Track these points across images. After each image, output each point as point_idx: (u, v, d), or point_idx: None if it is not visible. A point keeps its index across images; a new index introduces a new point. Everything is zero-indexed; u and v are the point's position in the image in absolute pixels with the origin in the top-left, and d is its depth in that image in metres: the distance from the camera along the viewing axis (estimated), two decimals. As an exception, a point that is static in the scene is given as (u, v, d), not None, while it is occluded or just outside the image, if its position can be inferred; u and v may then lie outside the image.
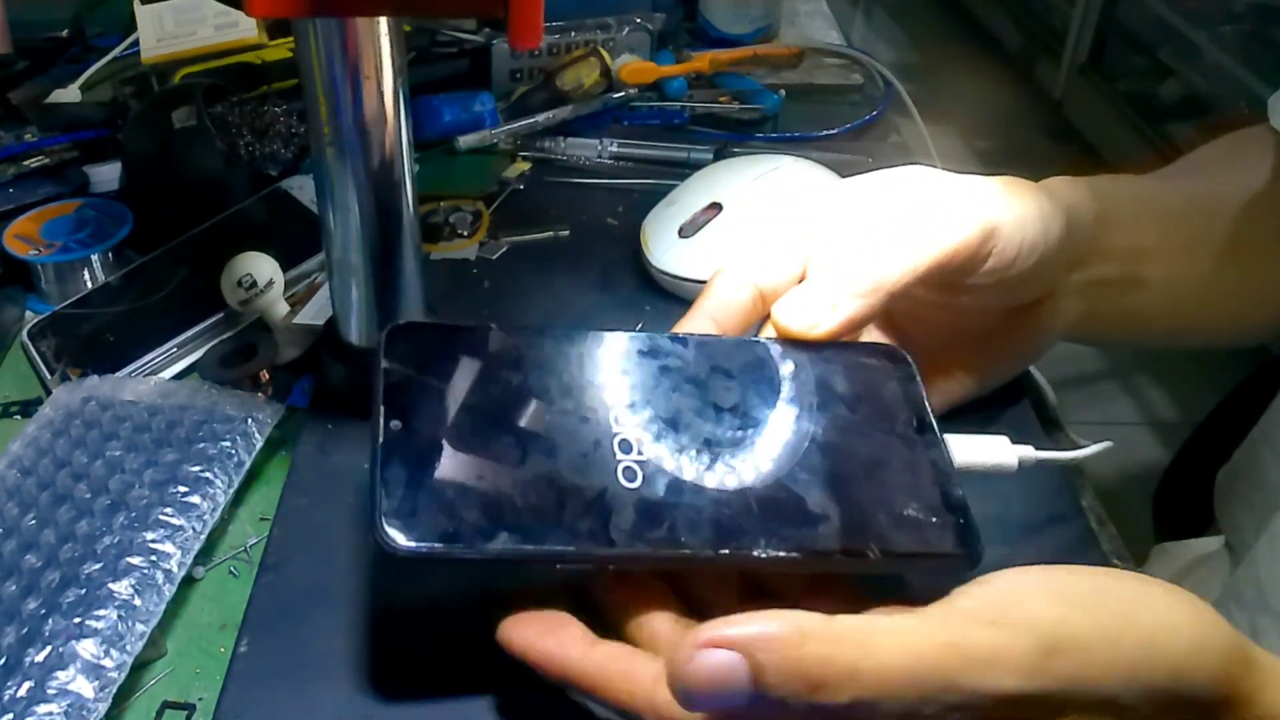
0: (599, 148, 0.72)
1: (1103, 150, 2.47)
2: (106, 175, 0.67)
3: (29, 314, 0.59)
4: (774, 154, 0.63)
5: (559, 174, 0.71)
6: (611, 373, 0.39)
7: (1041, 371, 0.55)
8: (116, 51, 0.80)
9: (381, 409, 0.36)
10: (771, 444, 0.38)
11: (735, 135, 0.76)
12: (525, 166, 0.71)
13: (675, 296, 0.59)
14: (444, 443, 0.36)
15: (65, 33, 0.83)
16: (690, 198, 0.60)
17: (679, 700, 0.29)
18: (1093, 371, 2.00)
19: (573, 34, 0.79)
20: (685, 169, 0.69)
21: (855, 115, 0.78)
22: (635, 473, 0.36)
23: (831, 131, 0.77)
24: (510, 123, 0.73)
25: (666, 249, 0.58)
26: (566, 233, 0.65)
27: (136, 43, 0.75)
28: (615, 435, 0.37)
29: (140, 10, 0.73)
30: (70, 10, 0.84)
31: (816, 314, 0.40)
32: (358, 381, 0.50)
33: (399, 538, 0.33)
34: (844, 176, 0.61)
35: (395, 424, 0.36)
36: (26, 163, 0.66)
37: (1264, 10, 1.82)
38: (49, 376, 0.54)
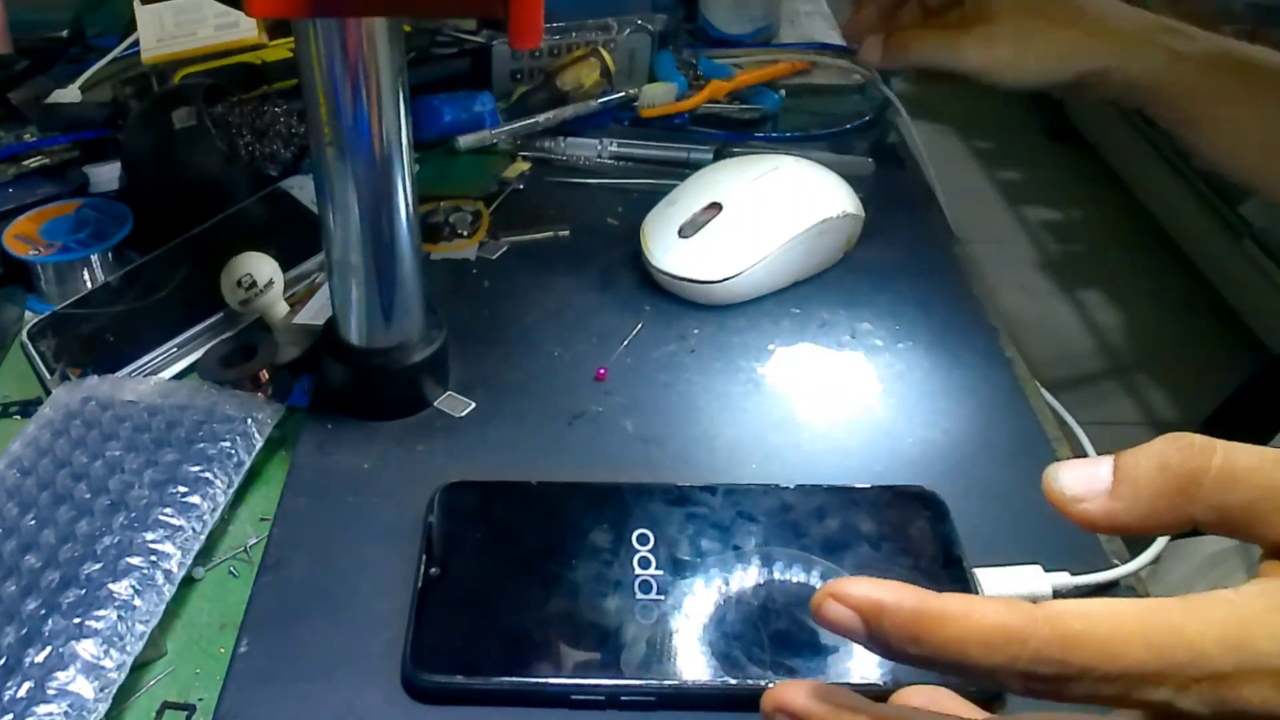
0: (599, 148, 0.72)
1: (1103, 150, 2.47)
2: (106, 175, 0.67)
3: (29, 314, 0.59)
4: (774, 154, 0.63)
5: (559, 174, 0.71)
6: (641, 522, 0.43)
7: (1041, 370, 0.55)
8: (116, 51, 0.80)
9: (423, 558, 0.41)
10: (787, 581, 0.41)
11: (735, 135, 0.76)
12: (525, 166, 0.71)
13: (675, 296, 0.59)
14: (473, 591, 0.40)
15: (65, 33, 0.83)
16: (690, 198, 0.60)
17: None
18: (1093, 371, 2.00)
19: (573, 35, 0.79)
20: (685, 169, 0.69)
21: (855, 115, 0.78)
22: (652, 611, 0.39)
23: (831, 131, 0.77)
24: (510, 123, 0.73)
25: (666, 249, 0.58)
26: (566, 233, 0.65)
27: (136, 43, 0.75)
28: (637, 578, 0.40)
29: (140, 10, 0.73)
30: (70, 10, 0.84)
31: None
32: (358, 381, 0.50)
33: (421, 674, 0.38)
34: (844, 176, 0.62)
35: (434, 571, 0.41)
36: (26, 163, 0.66)
37: (1264, 10, 1.82)
38: (49, 376, 0.54)
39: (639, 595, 0.40)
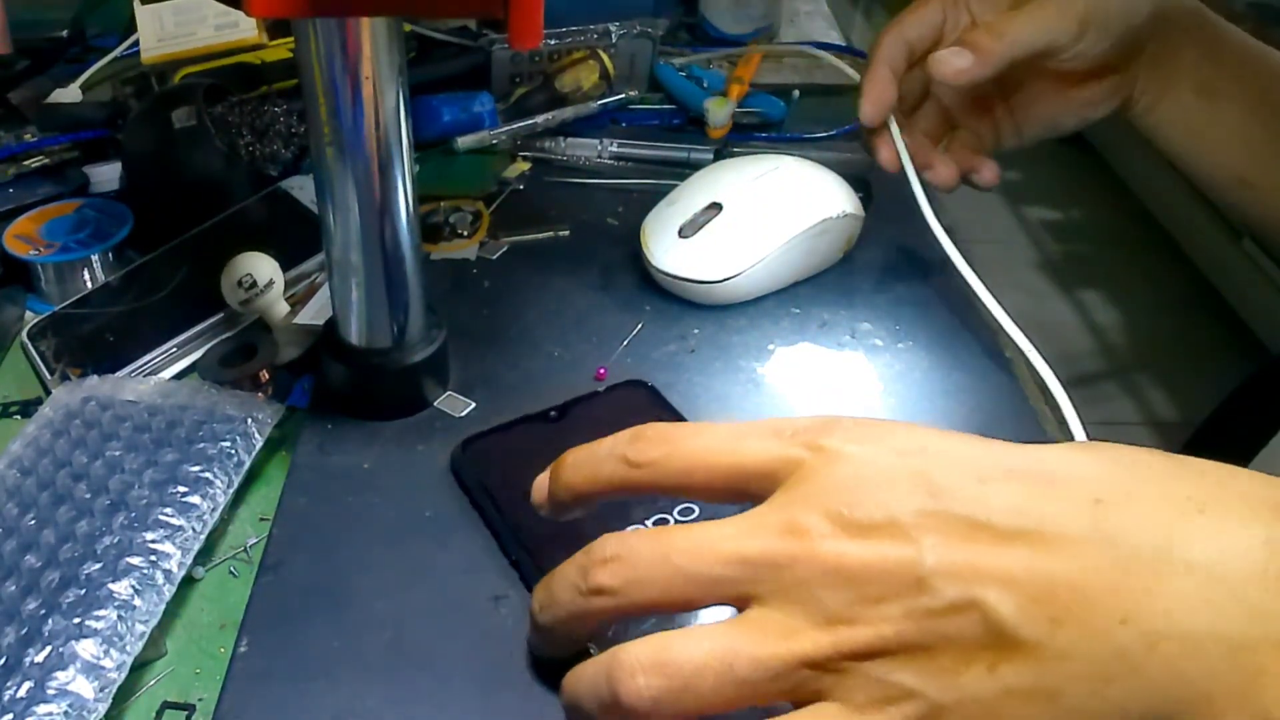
0: (599, 148, 0.72)
1: (1103, 150, 2.47)
2: (106, 175, 0.67)
3: (29, 314, 0.59)
4: (774, 154, 0.63)
5: (559, 174, 0.71)
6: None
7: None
8: (117, 51, 0.80)
9: (554, 411, 0.49)
10: None
11: (735, 135, 0.76)
12: (525, 166, 0.71)
13: (675, 296, 0.59)
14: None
15: (65, 33, 0.82)
16: (690, 198, 0.60)
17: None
18: (1093, 371, 2.00)
19: (570, 39, 0.78)
20: (685, 169, 0.69)
21: (855, 115, 0.78)
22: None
23: (831, 132, 0.77)
24: (509, 123, 0.73)
25: (666, 249, 0.58)
26: (566, 233, 0.65)
27: (136, 43, 0.75)
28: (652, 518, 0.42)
29: (140, 10, 0.74)
30: (70, 10, 0.84)
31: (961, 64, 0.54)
32: (358, 381, 0.50)
33: (457, 460, 0.47)
34: (844, 176, 0.62)
35: (553, 414, 0.49)
36: (26, 163, 0.66)
37: (1264, 10, 1.82)
38: (49, 376, 0.54)
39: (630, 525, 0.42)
